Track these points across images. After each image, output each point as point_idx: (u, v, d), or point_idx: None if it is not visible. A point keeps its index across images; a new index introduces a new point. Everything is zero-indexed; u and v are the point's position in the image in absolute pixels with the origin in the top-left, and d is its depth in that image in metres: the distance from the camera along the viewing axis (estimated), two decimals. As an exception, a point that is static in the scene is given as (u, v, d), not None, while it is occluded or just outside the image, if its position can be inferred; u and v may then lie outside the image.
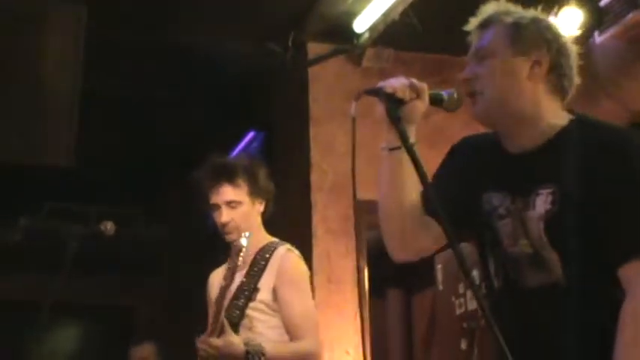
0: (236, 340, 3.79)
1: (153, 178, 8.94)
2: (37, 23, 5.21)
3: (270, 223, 4.35)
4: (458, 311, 6.41)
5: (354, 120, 2.53)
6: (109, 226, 5.01)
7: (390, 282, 7.67)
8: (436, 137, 5.26)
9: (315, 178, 6.71)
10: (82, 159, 5.24)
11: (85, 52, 5.20)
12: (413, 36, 6.33)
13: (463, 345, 6.25)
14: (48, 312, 4.91)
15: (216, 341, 3.75)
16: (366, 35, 6.51)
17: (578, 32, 5.61)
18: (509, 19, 2.64)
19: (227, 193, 4.15)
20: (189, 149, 4.35)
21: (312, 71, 6.92)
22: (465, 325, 6.26)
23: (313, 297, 4.28)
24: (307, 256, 6.23)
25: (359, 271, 6.46)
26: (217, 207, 4.17)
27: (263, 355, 3.81)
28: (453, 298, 6.45)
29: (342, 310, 6.25)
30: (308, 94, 6.89)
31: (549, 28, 2.65)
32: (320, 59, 6.84)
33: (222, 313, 3.78)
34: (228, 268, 3.82)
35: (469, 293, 6.16)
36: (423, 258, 2.85)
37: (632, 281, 2.41)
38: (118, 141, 8.21)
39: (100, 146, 7.77)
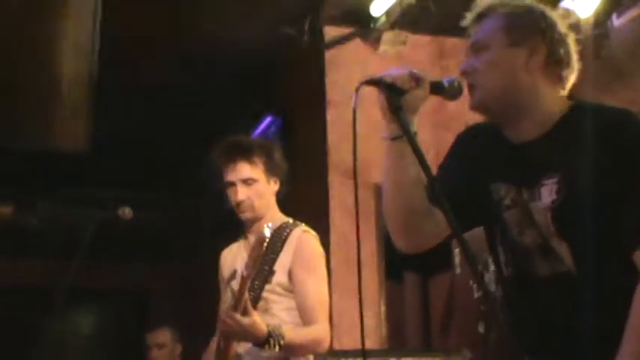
0: (260, 321, 3.79)
1: (170, 163, 8.94)
2: (53, 10, 5.22)
3: (288, 207, 4.34)
4: (476, 294, 6.40)
5: (354, 111, 2.52)
6: (126, 211, 5.02)
7: (407, 265, 7.67)
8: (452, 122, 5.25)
9: (332, 161, 6.71)
10: (99, 144, 5.26)
11: (101, 39, 5.21)
12: (429, 19, 6.31)
13: (481, 328, 6.24)
14: (64, 296, 4.92)
15: (243, 319, 3.74)
16: (383, 19, 6.49)
17: (593, 16, 5.58)
18: (503, 11, 2.64)
19: (243, 170, 4.13)
20: (207, 134, 4.33)
21: (329, 55, 6.92)
22: (482, 308, 6.25)
23: (330, 281, 4.27)
24: (325, 240, 6.24)
25: (379, 254, 6.48)
26: (233, 184, 4.15)
27: (283, 338, 3.81)
28: (471, 282, 6.44)
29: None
30: (325, 78, 6.89)
31: (544, 17, 2.62)
32: (337, 43, 6.84)
33: (246, 294, 3.77)
34: (250, 256, 3.79)
35: (487, 276, 6.15)
36: (442, 242, 2.84)
37: None
38: (135, 127, 8.21)
39: (118, 132, 7.78)
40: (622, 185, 2.43)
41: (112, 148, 7.88)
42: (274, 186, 4.23)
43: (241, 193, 4.12)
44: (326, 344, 4.06)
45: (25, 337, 10.38)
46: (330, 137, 6.73)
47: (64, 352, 11.23)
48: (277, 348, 3.79)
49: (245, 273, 3.75)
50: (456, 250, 6.67)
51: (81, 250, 4.76)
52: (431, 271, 7.52)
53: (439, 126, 6.04)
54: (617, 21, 5.65)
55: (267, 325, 3.79)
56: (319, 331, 4.02)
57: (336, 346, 6.01)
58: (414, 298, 7.72)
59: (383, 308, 6.61)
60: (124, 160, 8.80)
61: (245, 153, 4.14)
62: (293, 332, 3.92)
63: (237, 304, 3.75)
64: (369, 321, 6.32)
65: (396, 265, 6.93)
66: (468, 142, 2.83)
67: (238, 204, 4.14)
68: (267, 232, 3.73)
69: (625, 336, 2.35)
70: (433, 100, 2.69)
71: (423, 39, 6.82)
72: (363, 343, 2.64)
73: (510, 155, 2.64)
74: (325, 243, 5.10)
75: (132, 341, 7.95)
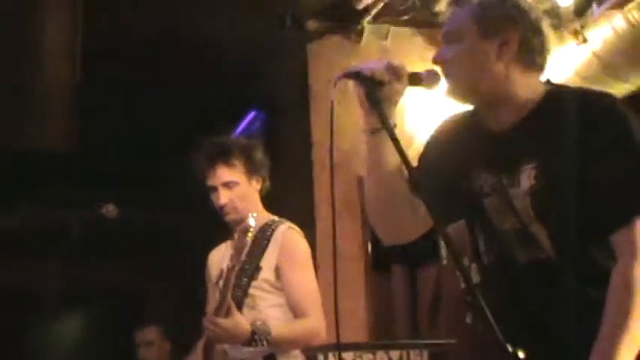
0: (243, 321, 3.79)
1: (155, 161, 8.92)
2: (37, 9, 5.20)
3: (273, 202, 4.35)
4: (463, 285, 6.39)
5: (332, 104, 2.53)
6: (110, 209, 5.01)
7: (394, 257, 7.67)
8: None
9: (316, 155, 6.70)
10: (84, 144, 5.24)
11: (84, 37, 5.19)
12: (412, 12, 6.31)
13: (468, 319, 6.25)
14: (52, 298, 4.92)
15: (224, 322, 3.75)
16: (366, 12, 6.48)
17: (574, 5, 5.59)
18: (475, 0, 2.63)
19: (223, 174, 4.15)
20: (190, 130, 4.33)
21: (312, 49, 6.91)
22: (469, 299, 6.26)
23: (318, 275, 4.28)
24: (311, 235, 6.23)
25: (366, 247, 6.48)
26: (214, 189, 4.17)
27: (269, 334, 3.81)
28: (458, 273, 6.44)
29: (348, 287, 6.25)
30: (308, 72, 6.88)
31: (516, 5, 2.62)
32: (319, 37, 6.83)
33: (229, 294, 3.78)
34: (236, 248, 3.80)
35: (474, 267, 6.15)
36: (427, 232, 2.84)
37: (621, 248, 2.43)
38: (120, 125, 8.18)
39: (103, 131, 7.75)
40: (598, 169, 2.44)
41: (98, 146, 7.85)
42: (257, 185, 4.24)
43: (223, 197, 4.14)
44: (322, 335, 4.07)
45: (9, 340, 10.33)
46: (314, 131, 6.73)
47: (51, 353, 11.20)
48: (265, 344, 3.80)
49: (230, 264, 3.77)
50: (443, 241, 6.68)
51: (67, 250, 4.75)
52: (418, 262, 7.52)
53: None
54: (597, 10, 5.65)
55: (252, 324, 3.79)
56: (312, 323, 4.03)
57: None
58: (401, 290, 7.72)
59: (370, 301, 6.61)
60: (109, 158, 8.77)
61: (224, 157, 4.14)
62: (282, 327, 3.93)
63: (220, 305, 3.77)
64: (357, 314, 6.32)
65: (383, 257, 6.93)
66: (445, 132, 2.84)
67: (221, 207, 4.16)
68: (252, 222, 3.75)
69: (602, 324, 2.37)
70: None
71: (406, 31, 6.82)
72: (337, 337, 2.64)
73: (489, 143, 2.65)
74: (311, 237, 5.09)
75: (122, 340, 7.92)
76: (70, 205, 7.12)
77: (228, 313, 3.76)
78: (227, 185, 4.14)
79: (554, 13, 5.33)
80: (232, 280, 3.79)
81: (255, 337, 3.78)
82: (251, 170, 4.19)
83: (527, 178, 2.53)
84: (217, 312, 3.80)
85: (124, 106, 7.94)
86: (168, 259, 10.60)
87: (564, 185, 2.46)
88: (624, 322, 2.36)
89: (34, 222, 9.02)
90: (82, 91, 5.16)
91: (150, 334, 7.32)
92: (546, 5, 5.22)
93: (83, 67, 5.19)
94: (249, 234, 3.77)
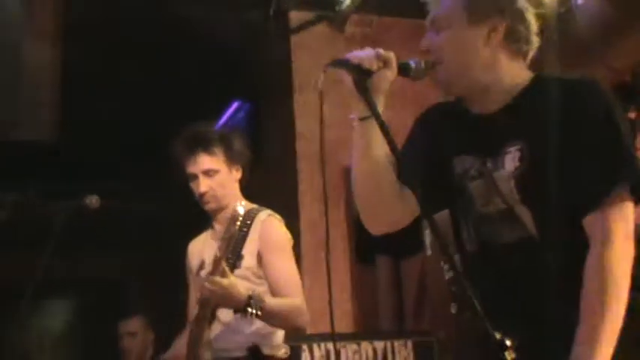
0: (239, 282, 3.81)
1: (137, 152, 8.90)
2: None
3: (258, 193, 4.34)
4: (447, 275, 6.41)
5: (321, 93, 2.52)
6: (93, 200, 4.99)
7: (378, 248, 7.67)
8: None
9: (300, 146, 6.70)
10: (66, 134, 5.21)
11: (65, 25, 5.17)
12: (395, 1, 6.31)
13: (453, 309, 6.26)
14: (34, 289, 4.90)
15: (223, 280, 3.75)
16: (349, 2, 6.48)
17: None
18: None
19: (203, 161, 4.14)
20: (174, 121, 4.32)
21: (295, 39, 6.90)
22: (453, 289, 6.27)
23: (301, 265, 4.30)
24: (295, 225, 6.22)
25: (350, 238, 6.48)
26: (195, 177, 4.16)
27: (263, 302, 3.81)
28: (442, 263, 6.45)
29: (333, 278, 6.24)
30: (291, 63, 6.87)
31: None
32: (303, 27, 6.82)
33: (223, 261, 3.78)
34: (223, 238, 3.80)
35: (457, 258, 6.16)
36: (411, 223, 2.85)
37: (593, 232, 2.44)
38: (103, 115, 8.15)
39: (85, 121, 7.72)
40: (575, 151, 2.46)
41: (80, 137, 7.83)
42: (236, 174, 4.24)
43: (203, 185, 4.14)
44: (306, 317, 4.09)
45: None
46: (298, 121, 6.72)
47: (37, 345, 11.18)
48: (258, 312, 3.79)
49: (218, 253, 3.77)
50: (427, 232, 6.68)
51: (51, 242, 4.73)
52: (403, 253, 7.53)
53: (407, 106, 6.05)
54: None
55: (247, 289, 3.80)
56: (299, 302, 4.04)
57: (308, 331, 6.02)
58: (386, 281, 7.73)
59: (355, 291, 6.62)
60: (91, 149, 8.75)
61: (204, 144, 4.14)
62: (273, 300, 3.94)
63: (214, 271, 3.77)
64: (341, 305, 6.33)
65: (367, 248, 6.93)
66: (429, 120, 2.85)
67: (201, 195, 4.15)
68: (241, 210, 3.75)
69: (580, 316, 2.38)
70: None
71: (389, 21, 6.82)
72: (332, 327, 2.64)
73: (473, 127, 2.67)
74: (295, 228, 5.08)
75: (105, 331, 7.90)
76: (53, 196, 7.09)
77: (223, 276, 3.77)
78: (207, 173, 4.14)
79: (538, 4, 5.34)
80: (224, 258, 3.79)
81: (251, 301, 3.78)
82: (231, 159, 4.19)
83: (511, 159, 2.55)
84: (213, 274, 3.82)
85: (107, 96, 7.91)
86: (152, 249, 10.59)
87: (548, 167, 2.47)
88: (601, 313, 2.36)
89: (19, 214, 8.99)
90: (65, 80, 5.13)
91: (133, 324, 7.30)
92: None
93: (67, 56, 5.16)
94: (238, 222, 3.77)
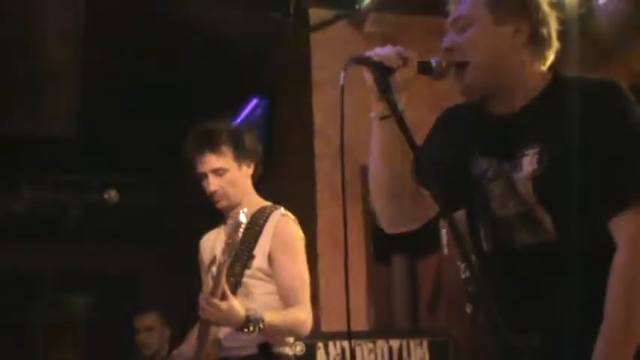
0: (237, 305, 3.79)
1: (156, 146, 8.92)
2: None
3: (275, 191, 4.34)
4: (463, 275, 6.40)
5: (342, 89, 2.52)
6: (112, 195, 5.01)
7: (395, 247, 7.67)
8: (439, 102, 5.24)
9: (318, 144, 6.69)
10: (85, 129, 5.24)
11: (85, 24, 5.18)
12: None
13: (468, 309, 6.25)
14: (53, 281, 4.92)
15: (220, 303, 3.75)
16: (368, 0, 6.48)
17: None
18: None
19: (211, 161, 4.11)
20: (193, 117, 4.32)
21: (315, 37, 6.90)
22: (470, 289, 6.26)
23: (319, 264, 4.28)
24: (312, 223, 6.23)
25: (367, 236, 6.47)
26: (204, 176, 4.14)
27: (262, 321, 3.81)
28: (459, 262, 6.44)
29: (349, 276, 6.23)
30: (311, 61, 6.87)
31: None
32: (322, 25, 6.82)
33: (223, 279, 3.77)
34: (227, 244, 3.79)
35: (475, 257, 6.15)
36: (429, 222, 2.84)
37: (620, 234, 2.42)
38: (120, 111, 8.18)
39: (102, 116, 7.75)
40: (600, 154, 2.44)
41: (99, 131, 7.86)
42: (248, 170, 4.20)
43: (213, 184, 4.12)
44: (308, 326, 4.06)
45: (13, 321, 10.36)
46: (317, 119, 6.72)
47: (52, 336, 11.22)
48: (257, 331, 3.79)
49: (221, 259, 3.75)
50: (444, 231, 6.68)
51: (68, 234, 4.76)
52: (419, 252, 7.53)
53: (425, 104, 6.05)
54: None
55: (246, 310, 3.79)
56: (300, 313, 4.02)
57: (324, 329, 6.02)
58: (402, 280, 7.73)
59: (371, 290, 6.62)
60: (110, 143, 8.77)
61: (211, 144, 4.11)
62: (273, 315, 3.92)
63: (215, 290, 3.76)
64: (357, 303, 6.32)
65: (384, 247, 6.93)
66: (448, 121, 2.84)
67: (212, 194, 4.14)
68: (243, 218, 3.73)
69: (604, 314, 2.37)
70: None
71: (409, 19, 6.81)
72: (349, 326, 2.64)
73: (492, 128, 2.66)
74: (312, 226, 5.08)
75: (121, 323, 7.92)
76: (72, 189, 7.12)
77: (223, 298, 3.76)
78: (216, 172, 4.12)
79: (559, 6, 5.33)
80: (224, 273, 3.78)
81: (249, 323, 3.78)
82: (240, 156, 4.16)
83: (529, 162, 2.53)
84: (212, 295, 3.79)
85: (126, 91, 7.94)
86: (168, 243, 10.62)
87: (567, 170, 2.46)
88: (625, 313, 2.36)
89: (38, 206, 9.04)
90: (84, 75, 5.15)
91: (150, 319, 7.32)
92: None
93: (85, 53, 5.18)
94: (241, 230, 3.75)
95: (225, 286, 3.77)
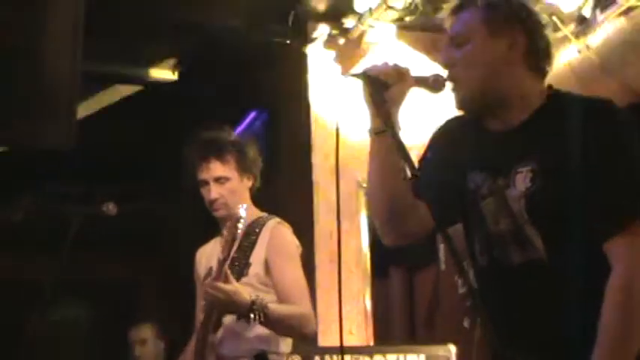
0: (242, 289, 3.81)
1: (153, 157, 8.92)
2: (36, 3, 5.19)
3: (272, 205, 4.34)
4: (461, 290, 6.41)
5: (339, 104, 2.54)
6: (111, 207, 5.01)
7: (392, 261, 7.67)
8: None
9: (316, 157, 6.69)
10: (84, 139, 5.22)
11: (84, 32, 5.18)
12: (414, 15, 6.31)
13: (466, 324, 6.25)
14: (50, 291, 4.92)
15: (226, 286, 3.75)
16: (367, 14, 6.48)
17: (577, 10, 5.58)
18: (482, 2, 2.64)
19: (215, 168, 4.15)
20: (193, 128, 4.33)
21: (312, 51, 6.90)
22: (467, 303, 6.26)
23: (315, 278, 4.28)
24: (309, 236, 6.22)
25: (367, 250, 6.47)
26: (206, 183, 4.17)
27: (266, 308, 3.81)
28: (456, 277, 6.45)
29: (345, 289, 6.24)
30: (308, 75, 6.87)
31: (524, 7, 2.65)
32: (320, 38, 6.82)
33: (226, 265, 3.78)
34: (226, 240, 3.80)
35: (472, 272, 6.15)
36: (427, 236, 2.85)
37: (615, 257, 2.43)
38: (118, 120, 8.18)
39: (100, 126, 7.75)
40: (594, 176, 2.45)
41: (97, 142, 7.85)
42: (248, 182, 4.24)
43: (214, 192, 4.14)
44: (313, 325, 4.07)
45: (11, 332, 10.33)
46: (314, 132, 6.72)
47: (51, 346, 11.19)
48: (261, 318, 3.79)
49: (221, 256, 3.77)
50: (442, 246, 6.68)
51: (66, 245, 4.75)
52: (416, 266, 7.53)
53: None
54: (600, 16, 5.64)
55: (251, 295, 3.80)
56: (305, 309, 4.03)
57: (320, 343, 6.01)
58: (399, 294, 7.73)
59: (368, 304, 6.61)
60: (108, 154, 8.77)
61: (217, 151, 4.15)
62: (278, 306, 3.93)
63: (217, 276, 3.77)
64: (355, 317, 6.32)
65: (381, 260, 6.93)
66: (444, 135, 2.85)
67: (212, 202, 4.16)
68: (243, 212, 3.76)
69: (598, 335, 2.36)
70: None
71: (408, 34, 6.81)
72: (341, 341, 2.64)
73: (487, 144, 2.67)
74: (309, 239, 5.08)
75: (117, 335, 7.91)
76: (71, 200, 7.11)
77: (226, 282, 3.78)
78: (219, 180, 4.15)
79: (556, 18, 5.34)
80: (226, 265, 3.79)
81: (254, 307, 3.77)
82: (243, 167, 4.20)
83: (522, 180, 2.55)
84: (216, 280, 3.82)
85: (124, 102, 7.94)
86: (164, 255, 10.60)
87: (560, 190, 2.47)
88: (620, 334, 2.37)
89: (35, 216, 9.03)
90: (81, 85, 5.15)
91: (144, 332, 7.30)
92: (548, 10, 5.22)
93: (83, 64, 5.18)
94: (240, 224, 3.77)
95: (228, 272, 3.79)
